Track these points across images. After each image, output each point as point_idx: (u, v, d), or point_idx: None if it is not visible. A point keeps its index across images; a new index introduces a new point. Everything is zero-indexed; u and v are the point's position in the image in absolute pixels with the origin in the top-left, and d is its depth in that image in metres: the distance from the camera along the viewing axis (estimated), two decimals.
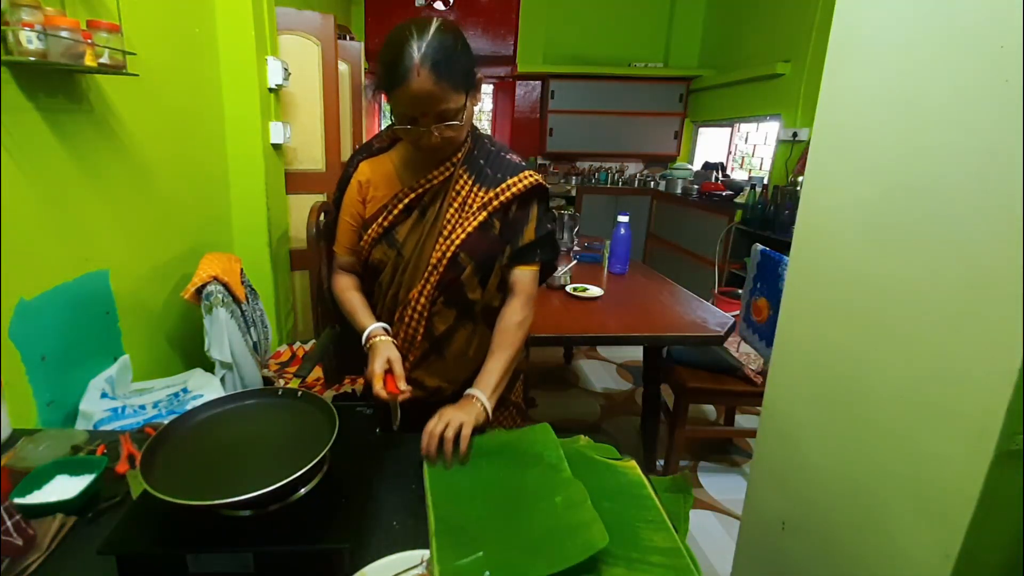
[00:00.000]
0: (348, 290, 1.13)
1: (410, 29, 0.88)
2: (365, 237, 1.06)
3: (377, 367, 0.96)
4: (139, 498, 0.75)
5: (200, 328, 1.53)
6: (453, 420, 0.90)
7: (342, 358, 1.31)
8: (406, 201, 1.04)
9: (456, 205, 1.03)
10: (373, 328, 1.03)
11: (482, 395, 0.98)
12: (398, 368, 0.97)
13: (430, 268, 1.03)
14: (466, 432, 0.90)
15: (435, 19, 0.91)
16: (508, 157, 1.08)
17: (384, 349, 0.99)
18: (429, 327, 1.08)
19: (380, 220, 1.05)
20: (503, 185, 1.04)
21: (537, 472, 0.87)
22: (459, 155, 1.04)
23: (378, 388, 0.94)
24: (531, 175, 1.05)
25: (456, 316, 1.09)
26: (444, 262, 1.03)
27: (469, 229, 1.03)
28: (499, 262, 1.08)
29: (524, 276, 1.09)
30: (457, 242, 1.02)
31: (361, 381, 1.34)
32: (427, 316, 1.06)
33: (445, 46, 0.88)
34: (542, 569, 0.67)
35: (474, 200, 1.04)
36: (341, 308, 1.12)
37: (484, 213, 1.03)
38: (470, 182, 1.04)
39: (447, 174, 1.03)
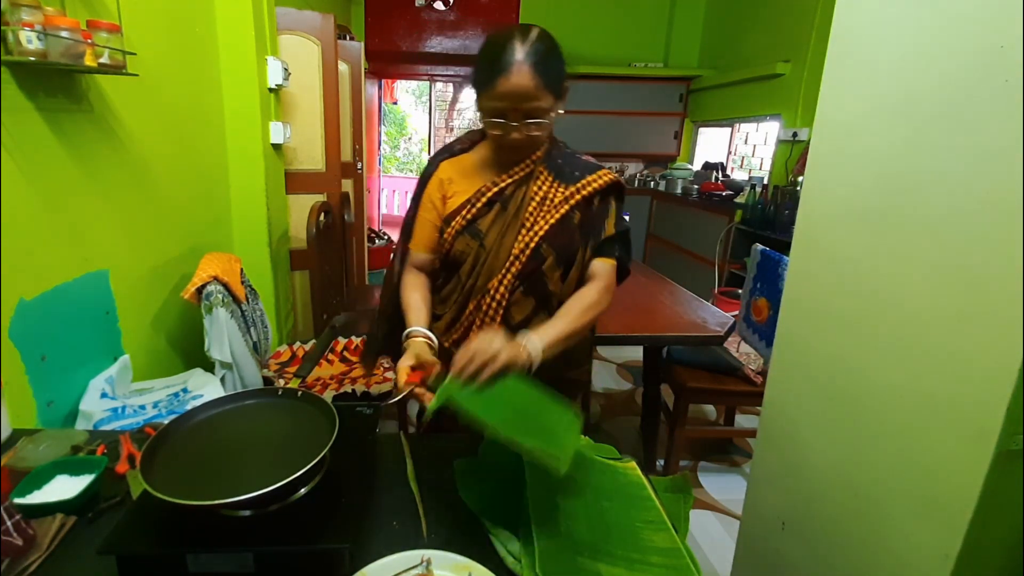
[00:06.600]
0: (414, 290, 1.13)
1: (514, 32, 0.96)
2: (448, 230, 1.10)
3: (404, 361, 0.95)
4: (139, 498, 0.75)
5: (200, 328, 1.53)
6: (500, 355, 0.88)
7: (390, 344, 1.26)
8: (489, 195, 1.08)
9: (537, 200, 1.08)
10: (416, 329, 1.03)
11: (536, 341, 0.95)
12: (427, 359, 0.96)
13: (512, 258, 1.07)
14: (495, 367, 0.88)
15: (535, 27, 0.99)
16: (584, 158, 1.14)
17: (418, 348, 0.98)
18: (506, 316, 1.10)
19: (464, 213, 1.09)
20: (583, 182, 1.09)
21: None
22: (538, 154, 1.10)
23: (401, 378, 0.94)
24: (608, 173, 1.11)
25: (534, 307, 1.11)
26: (527, 252, 1.06)
27: (552, 221, 1.07)
28: (581, 255, 1.10)
29: (604, 267, 1.12)
30: (541, 234, 1.06)
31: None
32: (505, 305, 1.09)
33: (547, 49, 0.96)
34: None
35: (555, 195, 1.08)
36: (401, 301, 1.13)
37: (566, 207, 1.07)
38: (550, 179, 1.09)
39: (528, 170, 1.09)
